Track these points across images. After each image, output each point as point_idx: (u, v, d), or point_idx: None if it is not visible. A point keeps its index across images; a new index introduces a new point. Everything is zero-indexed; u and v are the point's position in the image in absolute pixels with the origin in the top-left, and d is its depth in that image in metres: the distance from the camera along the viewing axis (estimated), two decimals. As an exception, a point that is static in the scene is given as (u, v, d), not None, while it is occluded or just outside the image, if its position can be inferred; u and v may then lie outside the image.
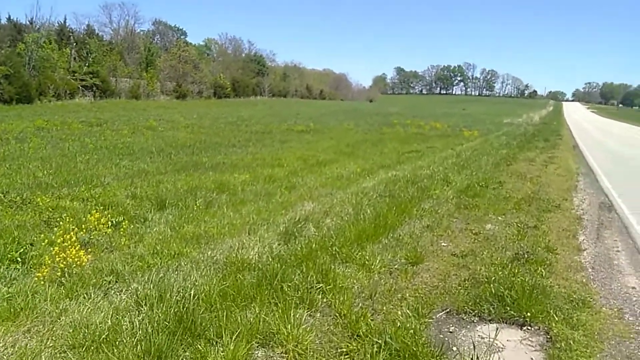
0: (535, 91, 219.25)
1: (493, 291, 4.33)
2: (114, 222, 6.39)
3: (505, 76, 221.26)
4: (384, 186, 9.78)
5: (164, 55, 58.43)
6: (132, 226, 6.39)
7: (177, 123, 25.22)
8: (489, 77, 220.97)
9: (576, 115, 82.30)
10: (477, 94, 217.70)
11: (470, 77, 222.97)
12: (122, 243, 5.72)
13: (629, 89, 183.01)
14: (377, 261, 5.13)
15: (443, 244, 6.17)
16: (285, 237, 6.01)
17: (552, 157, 16.97)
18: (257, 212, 7.42)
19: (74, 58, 44.44)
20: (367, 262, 5.10)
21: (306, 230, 6.39)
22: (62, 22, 48.60)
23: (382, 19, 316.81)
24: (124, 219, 6.59)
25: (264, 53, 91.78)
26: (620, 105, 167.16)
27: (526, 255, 5.47)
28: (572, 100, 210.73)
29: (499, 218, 7.62)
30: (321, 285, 4.31)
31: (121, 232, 6.07)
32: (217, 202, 8.08)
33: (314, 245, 5.52)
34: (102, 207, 7.23)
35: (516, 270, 4.97)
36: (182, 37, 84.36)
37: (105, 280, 4.55)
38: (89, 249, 5.52)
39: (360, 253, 5.36)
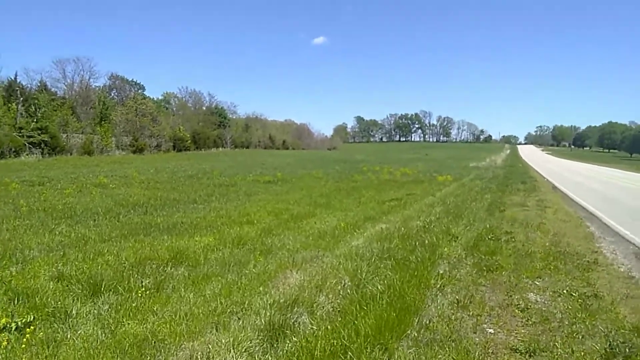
0: (490, 136, 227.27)
1: None
2: (19, 324, 4.40)
3: (461, 122, 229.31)
4: (378, 244, 8.09)
5: (120, 109, 56.21)
6: (45, 331, 4.37)
7: (131, 179, 23.01)
8: (445, 123, 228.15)
9: (535, 157, 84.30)
10: (435, 140, 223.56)
11: (428, 124, 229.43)
12: (24, 363, 3.71)
13: (579, 131, 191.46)
14: (420, 377, 3.35)
15: (490, 330, 4.45)
16: (271, 336, 4.15)
17: (541, 200, 15.87)
18: (226, 293, 5.51)
19: (21, 114, 41.74)
20: (404, 381, 3.31)
21: (298, 320, 4.55)
22: (12, 78, 46.34)
23: (340, 69, 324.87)
24: (34, 317, 4.58)
25: (225, 105, 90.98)
26: (572, 146, 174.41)
27: (623, 349, 3.80)
28: (525, 143, 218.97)
29: (537, 283, 6.02)
30: None
31: (26, 343, 4.06)
32: (171, 279, 6.09)
33: (316, 350, 3.70)
34: (10, 298, 5.21)
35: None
36: (139, 91, 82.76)
37: None
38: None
39: (388, 362, 3.57)
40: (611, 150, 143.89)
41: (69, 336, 4.27)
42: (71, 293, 5.46)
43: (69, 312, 4.83)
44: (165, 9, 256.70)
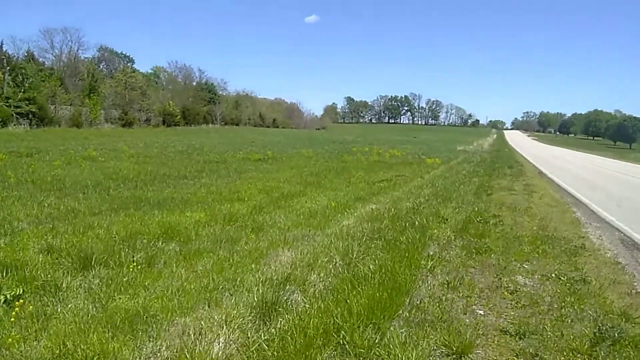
0: (477, 120, 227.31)
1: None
2: (8, 297, 4.31)
3: (449, 106, 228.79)
4: (368, 225, 8.08)
5: (108, 82, 55.16)
6: (35, 304, 4.28)
7: (121, 152, 22.72)
8: (434, 106, 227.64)
9: (521, 142, 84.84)
10: (424, 123, 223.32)
11: (417, 107, 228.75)
12: (13, 338, 3.63)
13: (564, 118, 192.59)
14: (412, 358, 3.34)
15: (480, 312, 4.47)
16: (264, 313, 4.12)
17: (527, 185, 15.99)
18: (218, 269, 5.46)
19: (8, 83, 40.74)
20: (397, 361, 3.30)
21: (290, 298, 4.53)
22: (-2, 46, 45.09)
23: (332, 49, 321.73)
24: (24, 290, 4.49)
25: (215, 81, 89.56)
26: (558, 132, 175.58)
27: (612, 334, 3.84)
28: (512, 129, 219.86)
29: (525, 266, 6.06)
30: None
31: (15, 316, 3.98)
32: (163, 254, 6.01)
33: (309, 329, 3.67)
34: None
35: (615, 362, 3.33)
36: (129, 64, 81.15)
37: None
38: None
39: (381, 341, 3.56)
40: (595, 138, 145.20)
41: (59, 310, 4.19)
42: (61, 266, 5.36)
43: (59, 285, 4.74)
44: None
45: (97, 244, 6.18)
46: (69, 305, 4.28)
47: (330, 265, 5.66)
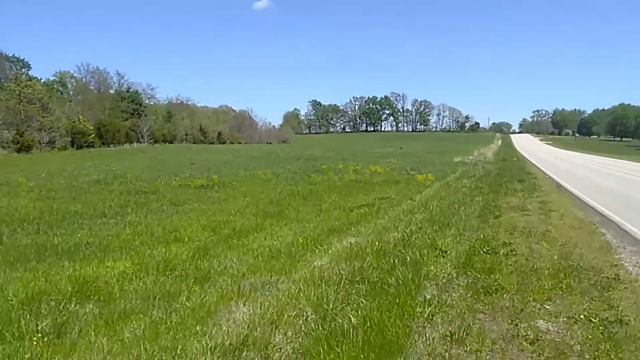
0: (477, 123, 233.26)
1: None
2: None
3: (442, 107, 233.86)
4: (347, 264, 8.12)
5: (-3, 94, 54.20)
6: None
7: (17, 186, 22.29)
8: (422, 109, 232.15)
9: (532, 149, 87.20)
10: (411, 129, 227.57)
11: (401, 110, 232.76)
12: None
13: (584, 116, 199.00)
14: None
15: (493, 370, 4.53)
16: (215, 391, 4.06)
17: (544, 202, 16.38)
18: (152, 335, 5.37)
19: None
20: None
21: (249, 369, 4.49)
22: None
23: (290, 42, 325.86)
24: None
25: (140, 88, 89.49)
26: (577, 134, 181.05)
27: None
28: (520, 132, 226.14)
29: (547, 307, 6.18)
30: None
31: None
32: (77, 319, 5.90)
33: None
34: None
35: None
36: (24, 70, 79.95)
37: None
38: None
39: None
40: (624, 139, 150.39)
41: None
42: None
43: None
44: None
45: (-13, 311, 6.00)
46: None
47: (300, 321, 5.65)
